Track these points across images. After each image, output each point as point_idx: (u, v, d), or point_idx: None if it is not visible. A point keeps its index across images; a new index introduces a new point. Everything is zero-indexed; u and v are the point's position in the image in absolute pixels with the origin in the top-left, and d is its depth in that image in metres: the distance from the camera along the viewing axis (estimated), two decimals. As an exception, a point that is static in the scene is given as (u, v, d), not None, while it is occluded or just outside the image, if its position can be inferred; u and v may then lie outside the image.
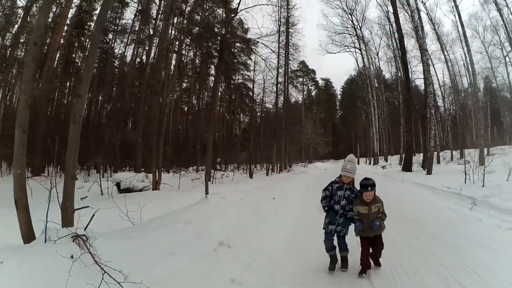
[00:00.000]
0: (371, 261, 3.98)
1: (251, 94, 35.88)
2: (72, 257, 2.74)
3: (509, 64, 24.77)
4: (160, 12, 23.20)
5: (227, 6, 15.78)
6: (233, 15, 16.84)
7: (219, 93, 33.18)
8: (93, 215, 3.39)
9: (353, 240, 4.05)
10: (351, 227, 4.05)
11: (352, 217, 4.02)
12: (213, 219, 4.85)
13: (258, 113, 33.65)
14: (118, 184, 11.69)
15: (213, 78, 32.23)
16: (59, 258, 2.68)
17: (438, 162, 22.25)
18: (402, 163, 20.06)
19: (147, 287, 2.63)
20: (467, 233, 5.31)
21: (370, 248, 3.96)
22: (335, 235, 4.06)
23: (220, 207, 5.72)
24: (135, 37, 27.93)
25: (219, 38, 17.28)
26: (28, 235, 3.47)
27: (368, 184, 3.87)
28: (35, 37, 3.66)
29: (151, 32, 22.54)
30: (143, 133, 15.00)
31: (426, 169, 15.92)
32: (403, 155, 23.84)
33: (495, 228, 5.62)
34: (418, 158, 22.69)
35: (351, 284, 3.61)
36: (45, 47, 19.49)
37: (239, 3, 16.63)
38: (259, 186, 11.82)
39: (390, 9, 22.50)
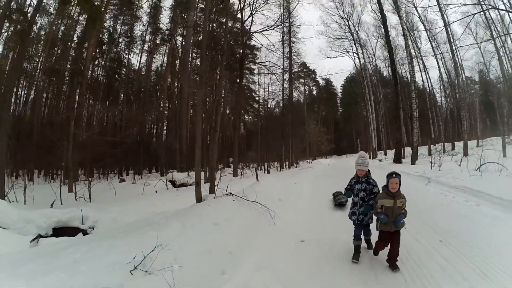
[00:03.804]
0: (387, 263, 4.44)
1: (254, 95, 40.58)
2: (233, 200, 7.36)
3: (502, 57, 27.48)
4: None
5: (243, 31, 20.30)
6: (247, 37, 21.44)
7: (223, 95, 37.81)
8: (227, 185, 8.00)
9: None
10: (374, 218, 4.69)
11: (374, 205, 4.50)
12: (270, 190, 9.51)
13: (262, 112, 38.01)
14: (172, 181, 16.28)
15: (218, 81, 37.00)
16: (228, 202, 7.29)
17: (430, 154, 26.66)
18: (394, 156, 24.71)
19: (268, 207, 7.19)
20: (417, 196, 9.10)
21: (389, 244, 4.43)
22: (360, 224, 4.79)
23: (269, 186, 10.35)
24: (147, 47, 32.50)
25: (237, 56, 21.68)
26: (199, 199, 7.89)
27: (393, 172, 4.42)
28: (200, 101, 8.32)
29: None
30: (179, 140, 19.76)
31: (411, 161, 20.70)
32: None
33: (436, 193, 9.57)
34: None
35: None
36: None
37: (250, 26, 21.16)
38: (279, 178, 16.40)
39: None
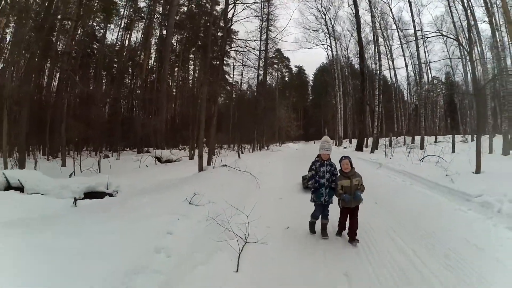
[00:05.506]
0: (348, 237, 5.04)
1: (227, 77, 42.48)
2: (228, 170, 9.92)
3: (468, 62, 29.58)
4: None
5: (226, 19, 22.24)
6: (229, 25, 23.42)
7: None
8: (221, 160, 10.52)
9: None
10: (335, 199, 5.30)
11: (336, 188, 5.09)
12: (251, 166, 12.16)
13: (234, 95, 39.75)
14: (158, 158, 18.47)
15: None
16: (224, 171, 10.06)
17: (390, 145, 30.07)
18: (356, 144, 28.16)
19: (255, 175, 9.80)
20: (368, 177, 11.22)
21: (348, 219, 5.04)
22: (327, 205, 5.28)
23: (248, 162, 12.98)
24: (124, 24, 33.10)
25: (218, 45, 23.63)
26: (200, 168, 10.51)
27: (342, 156, 5.17)
28: (205, 96, 10.68)
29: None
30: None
31: (370, 149, 24.12)
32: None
33: (383, 175, 12.33)
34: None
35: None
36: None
37: (232, 16, 23.14)
38: (254, 158, 19.06)
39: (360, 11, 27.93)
